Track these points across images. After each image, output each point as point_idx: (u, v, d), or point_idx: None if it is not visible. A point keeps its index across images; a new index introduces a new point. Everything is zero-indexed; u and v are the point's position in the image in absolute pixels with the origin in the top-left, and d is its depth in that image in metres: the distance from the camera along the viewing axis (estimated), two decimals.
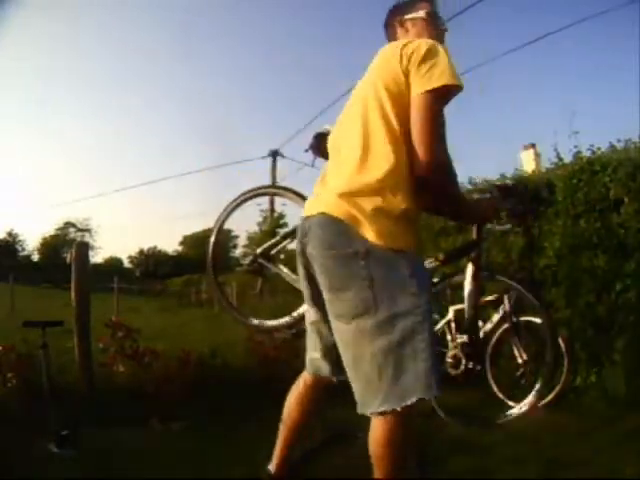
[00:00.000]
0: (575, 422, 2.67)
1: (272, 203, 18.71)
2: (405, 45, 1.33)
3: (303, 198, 2.15)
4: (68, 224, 50.83)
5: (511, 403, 2.93)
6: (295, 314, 2.22)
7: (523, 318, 3.17)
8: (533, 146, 7.43)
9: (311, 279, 1.38)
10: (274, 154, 19.00)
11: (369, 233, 1.22)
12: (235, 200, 2.43)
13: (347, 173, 1.30)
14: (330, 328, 1.37)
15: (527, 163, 6.67)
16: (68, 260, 3.06)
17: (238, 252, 37.66)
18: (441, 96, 1.29)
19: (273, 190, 2.92)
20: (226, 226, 2.52)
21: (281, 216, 18.21)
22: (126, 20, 65.96)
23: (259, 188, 2.47)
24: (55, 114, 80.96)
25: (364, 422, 1.31)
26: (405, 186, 1.28)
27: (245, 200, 2.43)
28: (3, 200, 67.80)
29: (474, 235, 2.47)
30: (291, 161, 19.47)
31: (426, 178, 1.27)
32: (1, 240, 46.14)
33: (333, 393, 1.57)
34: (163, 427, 2.63)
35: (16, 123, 76.32)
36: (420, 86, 1.27)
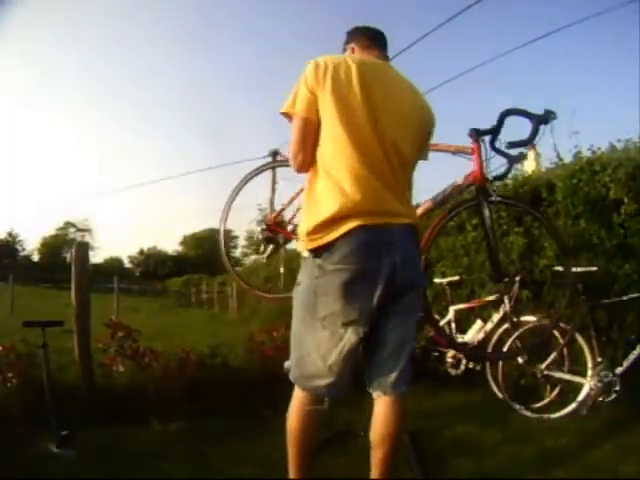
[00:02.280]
0: (575, 422, 2.67)
1: (272, 203, 18.72)
2: None
3: None
4: (68, 224, 50.86)
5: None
6: None
7: (523, 318, 3.16)
8: (533, 146, 7.39)
9: None
10: (274, 154, 18.95)
11: None
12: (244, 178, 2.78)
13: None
14: None
15: (527, 163, 6.65)
16: (68, 260, 3.05)
17: (238, 252, 37.75)
18: None
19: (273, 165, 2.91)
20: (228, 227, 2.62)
21: None
22: (126, 17, 66.04)
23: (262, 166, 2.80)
24: (55, 114, 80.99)
25: (364, 422, 1.31)
26: None
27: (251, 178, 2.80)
28: (3, 200, 67.73)
29: None
30: None
31: None
32: (1, 240, 46.13)
33: None
34: (163, 427, 2.63)
35: (16, 122, 76.29)
36: None
